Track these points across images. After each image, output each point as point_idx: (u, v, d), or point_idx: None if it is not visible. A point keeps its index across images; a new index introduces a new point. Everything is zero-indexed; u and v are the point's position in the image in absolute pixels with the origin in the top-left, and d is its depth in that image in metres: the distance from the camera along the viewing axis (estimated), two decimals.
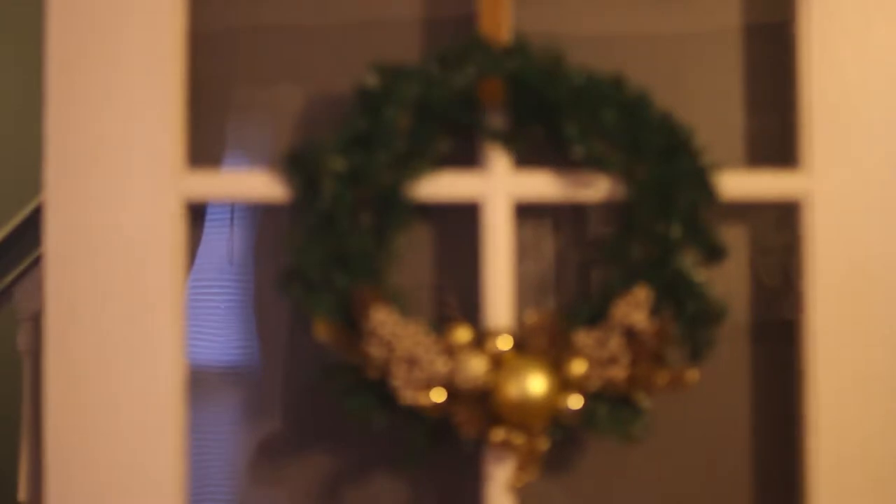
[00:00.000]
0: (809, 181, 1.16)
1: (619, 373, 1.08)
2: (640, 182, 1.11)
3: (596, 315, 1.11)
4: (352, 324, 1.08)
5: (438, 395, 1.06)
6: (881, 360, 1.15)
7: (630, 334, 1.09)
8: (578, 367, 1.08)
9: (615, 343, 1.08)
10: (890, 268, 1.15)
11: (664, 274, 1.11)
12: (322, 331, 1.07)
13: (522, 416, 1.06)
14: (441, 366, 1.06)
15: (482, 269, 1.14)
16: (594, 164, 1.11)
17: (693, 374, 1.08)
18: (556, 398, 1.06)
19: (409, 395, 1.06)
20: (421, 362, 1.05)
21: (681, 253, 1.11)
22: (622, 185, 1.12)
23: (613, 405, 1.10)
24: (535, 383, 1.05)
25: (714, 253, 1.12)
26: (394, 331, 1.05)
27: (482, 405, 1.07)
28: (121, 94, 1.12)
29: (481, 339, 1.09)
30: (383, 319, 1.05)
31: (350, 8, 1.20)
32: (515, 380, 1.06)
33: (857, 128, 1.16)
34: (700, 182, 1.11)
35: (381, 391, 1.08)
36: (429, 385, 1.06)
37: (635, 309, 1.08)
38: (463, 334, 1.09)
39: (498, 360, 1.07)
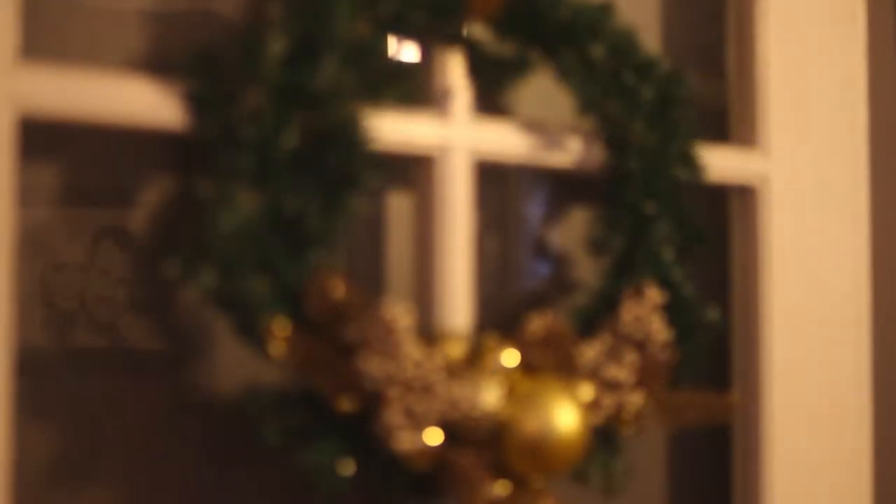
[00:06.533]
0: (766, 163, 0.99)
1: (637, 398, 0.82)
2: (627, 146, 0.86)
3: (587, 317, 0.85)
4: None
5: (436, 437, 0.72)
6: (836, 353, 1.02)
7: (639, 346, 0.83)
8: (588, 391, 0.80)
9: (630, 358, 0.82)
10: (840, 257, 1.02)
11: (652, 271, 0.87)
12: (281, 344, 0.67)
13: (543, 460, 0.76)
14: (457, 393, 0.72)
15: (434, 251, 0.81)
16: (589, 109, 0.84)
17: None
18: (587, 436, 0.78)
19: (408, 437, 0.70)
20: (433, 389, 0.70)
21: (667, 247, 0.88)
22: (602, 149, 0.87)
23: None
24: (564, 416, 0.76)
25: (696, 238, 0.90)
26: (397, 341, 0.69)
27: (490, 448, 0.75)
28: None
29: (476, 354, 0.77)
30: (385, 324, 0.68)
31: None
32: (534, 411, 0.75)
33: (817, 107, 1.01)
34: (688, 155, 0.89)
35: (351, 432, 0.71)
36: (431, 423, 0.72)
37: (649, 314, 0.83)
38: (456, 348, 0.76)
39: (509, 385, 0.76)
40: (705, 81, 1.02)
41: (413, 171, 0.83)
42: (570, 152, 0.87)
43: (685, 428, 0.87)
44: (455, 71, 0.82)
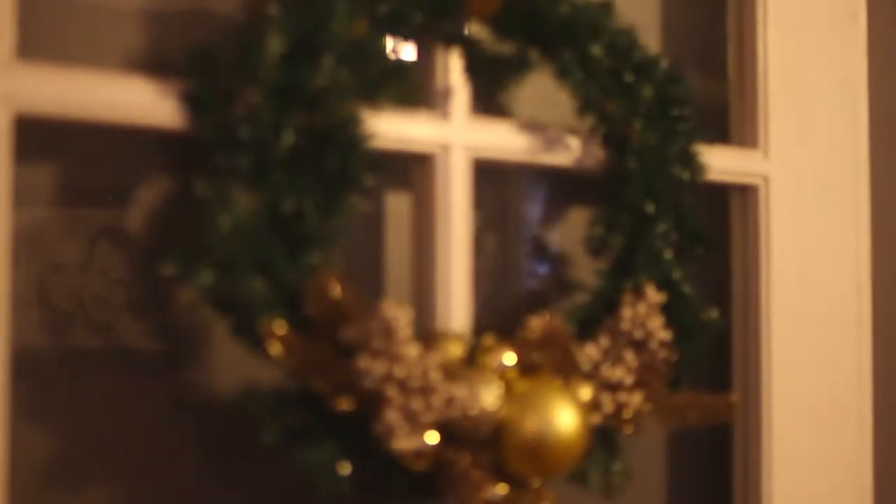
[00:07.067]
0: (766, 163, 0.99)
1: (637, 398, 0.81)
2: (626, 145, 0.85)
3: (587, 317, 0.84)
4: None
5: (435, 437, 0.72)
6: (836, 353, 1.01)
7: (639, 346, 0.83)
8: (587, 391, 0.80)
9: (630, 358, 0.82)
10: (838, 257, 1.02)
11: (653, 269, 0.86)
12: (279, 344, 0.67)
13: (542, 461, 0.75)
14: (455, 393, 0.72)
15: (433, 250, 0.81)
16: (589, 108, 0.84)
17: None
18: (587, 436, 0.77)
19: (407, 437, 0.70)
20: (435, 389, 0.70)
21: (667, 247, 0.87)
22: (602, 149, 0.86)
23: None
24: (564, 416, 0.75)
25: (696, 238, 0.90)
26: (396, 341, 0.69)
27: (488, 449, 0.75)
28: None
29: (475, 354, 0.77)
30: (384, 324, 0.68)
31: None
32: (533, 411, 0.75)
33: (817, 107, 1.01)
34: (688, 155, 0.89)
35: (350, 432, 0.71)
36: (430, 423, 0.71)
37: (649, 314, 0.83)
38: (455, 348, 0.75)
39: (507, 385, 0.76)
40: (705, 81, 1.02)
41: (412, 170, 0.82)
42: (570, 152, 0.87)
43: (685, 428, 0.87)
44: (454, 70, 0.82)
